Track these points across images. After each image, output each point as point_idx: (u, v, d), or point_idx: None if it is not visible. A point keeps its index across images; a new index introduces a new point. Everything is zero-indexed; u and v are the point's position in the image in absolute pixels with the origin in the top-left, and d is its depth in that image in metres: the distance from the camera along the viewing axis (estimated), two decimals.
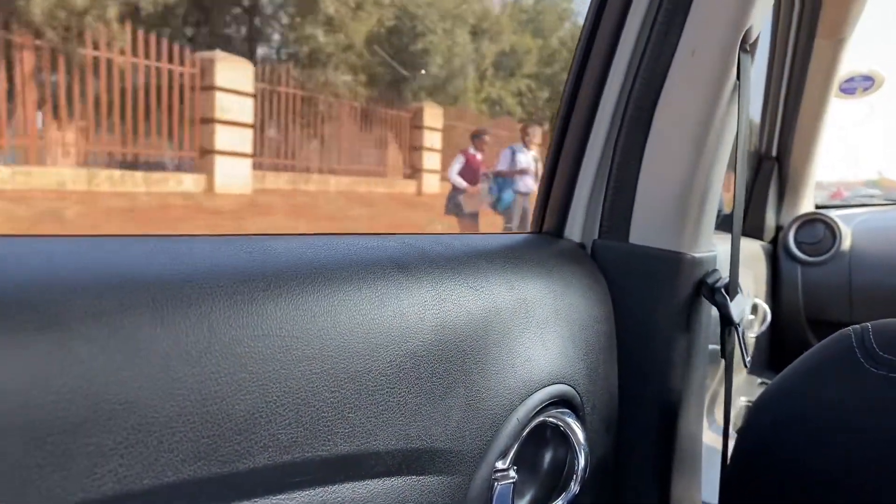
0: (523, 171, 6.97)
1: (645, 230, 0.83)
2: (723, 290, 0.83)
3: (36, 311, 0.35)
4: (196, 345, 0.40)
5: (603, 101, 0.86)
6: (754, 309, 1.66)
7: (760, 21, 0.80)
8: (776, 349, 1.90)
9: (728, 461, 0.83)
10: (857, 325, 0.71)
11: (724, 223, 1.04)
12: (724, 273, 0.87)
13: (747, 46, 0.80)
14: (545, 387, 0.68)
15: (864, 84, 1.98)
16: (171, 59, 7.33)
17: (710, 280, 0.84)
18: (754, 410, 0.77)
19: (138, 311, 0.39)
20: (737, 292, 0.86)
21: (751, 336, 1.64)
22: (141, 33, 7.16)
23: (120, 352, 0.37)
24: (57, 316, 0.36)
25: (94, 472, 0.36)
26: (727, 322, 0.85)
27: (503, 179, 7.04)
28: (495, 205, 7.07)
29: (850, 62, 1.93)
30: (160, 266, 0.44)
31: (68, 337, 0.36)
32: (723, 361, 0.89)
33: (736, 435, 0.80)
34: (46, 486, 0.34)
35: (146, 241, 0.49)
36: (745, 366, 0.90)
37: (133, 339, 0.38)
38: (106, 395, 0.36)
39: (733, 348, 0.88)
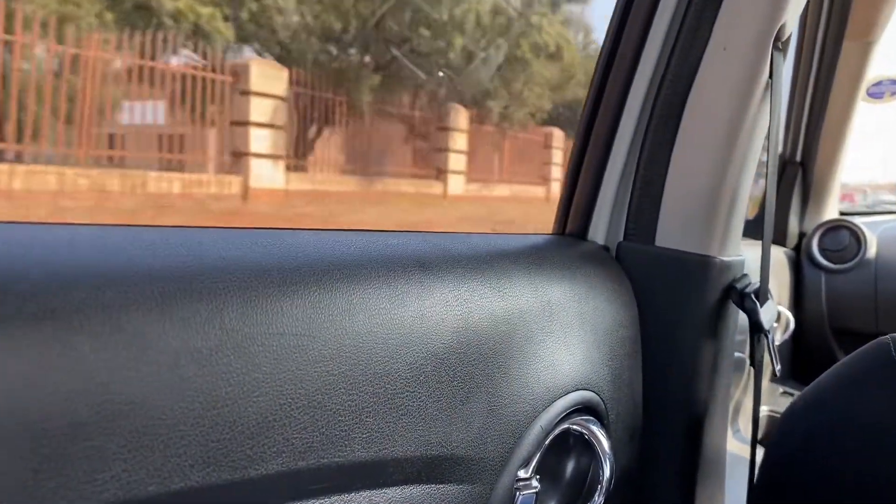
0: None
1: (672, 233, 0.81)
2: (752, 296, 0.80)
3: (34, 302, 0.33)
4: (207, 342, 0.38)
5: (630, 99, 0.84)
6: (777, 316, 1.63)
7: (794, 18, 0.78)
8: (799, 358, 1.87)
9: (756, 473, 0.80)
10: (894, 334, 0.68)
11: (749, 229, 1.01)
12: (753, 278, 0.84)
13: (780, 44, 0.77)
14: (569, 393, 0.66)
15: (892, 88, 1.93)
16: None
17: (739, 285, 0.82)
18: (786, 422, 0.75)
19: (145, 305, 0.37)
20: (767, 298, 0.83)
21: (775, 344, 1.61)
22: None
23: (124, 348, 0.35)
24: (56, 308, 0.34)
25: (94, 478, 0.34)
26: (757, 329, 0.82)
27: None
28: None
29: (879, 66, 1.89)
30: (169, 258, 0.41)
31: (68, 331, 0.33)
32: (746, 370, 0.86)
33: (764, 447, 0.78)
34: (42, 493, 0.32)
35: (154, 231, 0.47)
36: (776, 374, 0.87)
37: (139, 335, 0.36)
38: (108, 394, 0.34)
39: (762, 356, 0.85)
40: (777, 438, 0.75)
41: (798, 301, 1.91)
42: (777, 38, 0.75)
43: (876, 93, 1.94)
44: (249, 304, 0.41)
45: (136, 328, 0.36)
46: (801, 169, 1.97)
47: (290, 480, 0.43)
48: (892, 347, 0.67)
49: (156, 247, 0.43)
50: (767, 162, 0.82)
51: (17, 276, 0.35)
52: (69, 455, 0.33)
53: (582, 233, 0.86)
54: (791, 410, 0.75)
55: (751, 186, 0.88)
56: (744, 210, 0.85)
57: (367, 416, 0.47)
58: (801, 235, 1.99)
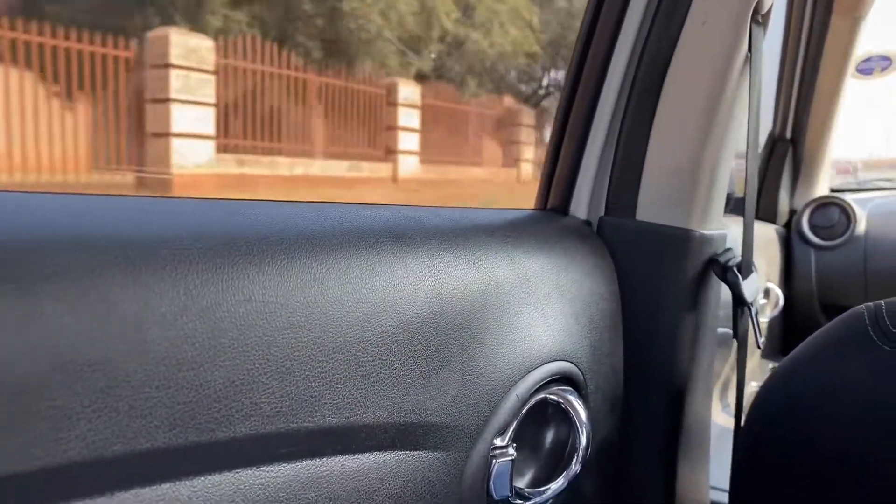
0: None
1: (653, 207, 0.81)
2: (735, 269, 0.81)
3: None
4: (171, 307, 0.39)
5: (609, 73, 0.84)
6: (767, 293, 1.64)
7: None
8: (789, 334, 1.88)
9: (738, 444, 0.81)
10: (871, 304, 0.69)
11: (738, 207, 1.02)
12: (738, 253, 0.85)
13: (759, 18, 0.77)
14: (546, 363, 0.66)
15: (881, 64, 1.93)
16: None
17: (721, 259, 0.82)
18: (764, 392, 0.75)
19: (109, 270, 0.37)
20: (750, 271, 0.83)
21: (763, 321, 1.62)
22: None
23: (87, 311, 0.36)
24: (21, 270, 0.34)
25: (58, 436, 0.34)
26: (739, 302, 0.83)
27: None
28: None
29: (868, 42, 1.89)
30: (135, 226, 0.42)
31: (32, 292, 0.34)
32: (735, 344, 0.87)
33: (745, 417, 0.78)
34: (6, 448, 0.33)
35: (121, 200, 0.47)
36: (759, 346, 0.88)
37: (103, 299, 0.36)
38: (72, 355, 0.35)
39: (746, 330, 0.85)
40: (756, 408, 0.76)
41: (788, 278, 1.92)
42: (756, 12, 0.75)
43: (865, 69, 1.94)
44: (215, 271, 0.42)
45: (100, 292, 0.36)
46: (791, 146, 1.97)
47: (260, 444, 0.43)
48: (867, 316, 0.67)
49: (121, 215, 0.43)
50: (748, 136, 0.82)
51: None
52: (33, 413, 0.34)
53: (563, 207, 0.87)
54: (770, 381, 0.75)
55: (733, 162, 0.88)
56: (725, 184, 0.86)
57: (337, 383, 0.47)
58: (792, 213, 1.99)
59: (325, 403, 0.47)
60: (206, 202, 0.51)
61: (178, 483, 0.39)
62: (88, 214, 0.42)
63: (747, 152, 0.84)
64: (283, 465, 0.45)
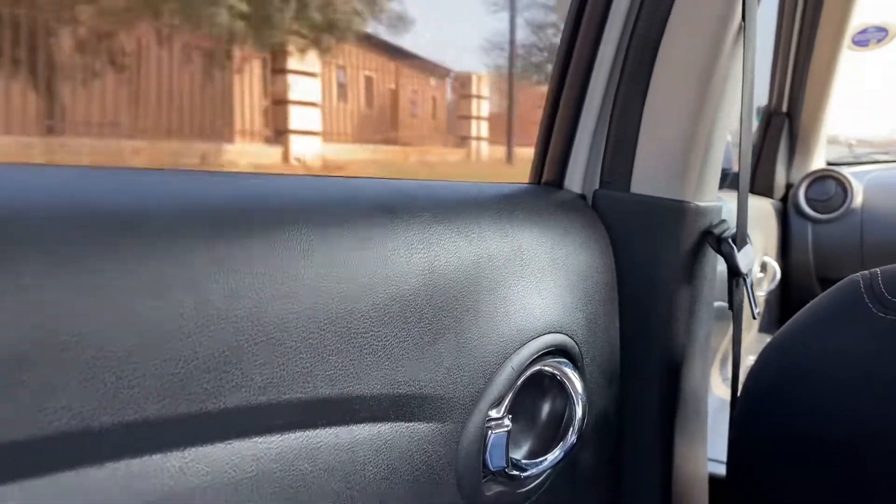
0: None
1: (647, 179, 0.81)
2: (730, 241, 0.81)
3: None
4: (157, 278, 0.38)
5: (602, 46, 0.83)
6: (764, 267, 1.64)
7: None
8: (786, 308, 1.88)
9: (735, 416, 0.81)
10: (867, 272, 0.68)
11: (735, 182, 1.01)
12: (733, 225, 0.85)
13: None
14: (541, 335, 0.66)
15: (877, 35, 1.92)
16: None
17: (716, 230, 0.82)
18: (759, 363, 0.75)
19: (93, 242, 0.37)
20: (745, 243, 0.83)
21: (760, 294, 1.62)
22: None
23: (71, 282, 0.35)
24: (3, 242, 0.34)
25: (44, 407, 0.34)
26: (734, 273, 0.82)
27: None
28: None
29: (863, 14, 1.88)
30: (120, 197, 0.42)
31: (12, 265, 0.34)
32: (732, 316, 0.87)
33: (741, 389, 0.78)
34: None
35: (107, 172, 0.47)
36: (753, 317, 0.88)
37: (86, 270, 0.36)
38: (55, 326, 0.34)
39: (742, 301, 0.85)
40: (752, 379, 0.76)
41: (785, 251, 1.92)
42: None
43: (861, 41, 1.93)
44: (202, 243, 0.41)
45: (84, 263, 0.36)
46: (787, 119, 1.96)
47: (251, 415, 0.43)
48: (863, 284, 0.67)
49: (108, 187, 0.43)
50: (742, 106, 0.82)
51: None
52: (17, 384, 0.33)
53: (558, 181, 0.86)
54: (766, 351, 0.75)
55: (728, 136, 0.87)
56: (720, 156, 0.85)
57: (329, 354, 0.47)
58: (789, 187, 1.99)
59: (318, 375, 0.47)
60: (192, 174, 0.51)
61: (168, 454, 0.39)
62: (73, 186, 0.42)
63: (741, 123, 0.83)
64: (276, 436, 0.45)
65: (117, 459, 0.37)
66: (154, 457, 0.39)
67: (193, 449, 0.40)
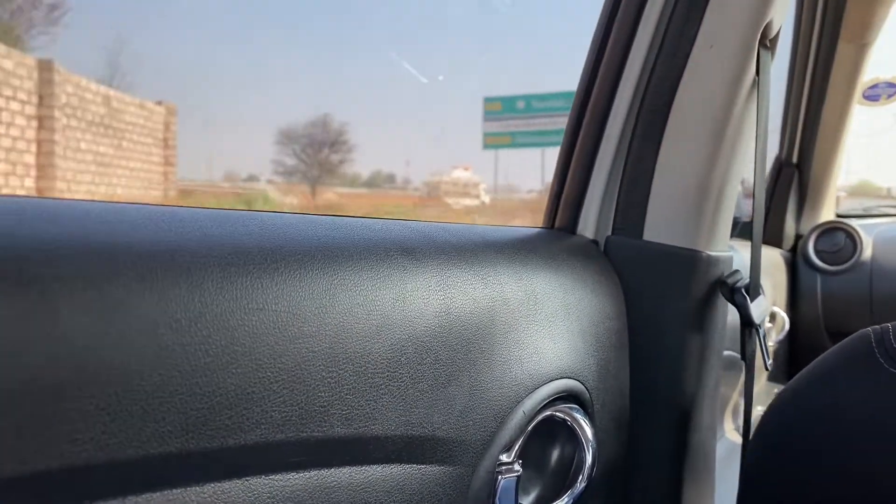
0: None
1: (659, 227, 0.81)
2: (743, 291, 0.81)
3: (18, 270, 0.34)
4: (186, 314, 0.39)
5: (618, 94, 0.85)
6: (773, 317, 1.64)
7: (782, 15, 0.79)
8: (795, 359, 1.87)
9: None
10: (878, 326, 0.69)
11: (745, 231, 1.02)
12: (745, 276, 0.85)
13: (767, 42, 0.78)
14: (553, 380, 0.66)
15: (888, 91, 1.94)
16: None
17: (729, 280, 0.82)
18: (769, 414, 0.75)
19: (126, 277, 0.38)
20: (758, 293, 0.84)
21: (769, 344, 1.61)
22: None
23: (104, 316, 0.36)
24: (40, 276, 0.35)
25: (74, 438, 0.35)
26: (747, 323, 0.83)
27: None
28: None
29: (875, 68, 1.90)
30: (151, 234, 0.43)
31: (49, 297, 0.35)
32: (744, 367, 0.87)
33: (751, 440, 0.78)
34: (20, 450, 0.33)
35: (137, 208, 0.48)
36: (766, 368, 0.88)
37: (119, 304, 0.37)
38: (88, 358, 0.35)
39: (754, 351, 0.85)
40: (762, 430, 0.76)
41: (794, 302, 1.92)
42: (764, 36, 0.76)
43: (872, 95, 1.95)
44: (229, 280, 0.42)
45: (117, 298, 0.37)
46: (797, 171, 1.97)
47: (269, 452, 0.44)
48: (874, 339, 0.67)
49: (139, 223, 0.44)
50: (755, 158, 0.83)
51: (2, 244, 0.36)
52: (49, 415, 0.34)
53: (571, 227, 0.87)
54: (776, 402, 0.75)
55: (740, 186, 0.88)
56: (732, 207, 0.86)
57: (346, 394, 0.48)
58: (798, 237, 1.99)
59: (334, 413, 0.47)
60: (220, 213, 0.52)
61: (188, 489, 0.40)
62: (107, 222, 0.43)
63: (755, 175, 0.84)
64: (293, 473, 0.45)
65: (139, 493, 0.37)
66: (174, 490, 0.39)
67: (211, 485, 0.41)
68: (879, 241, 1.89)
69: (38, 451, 0.34)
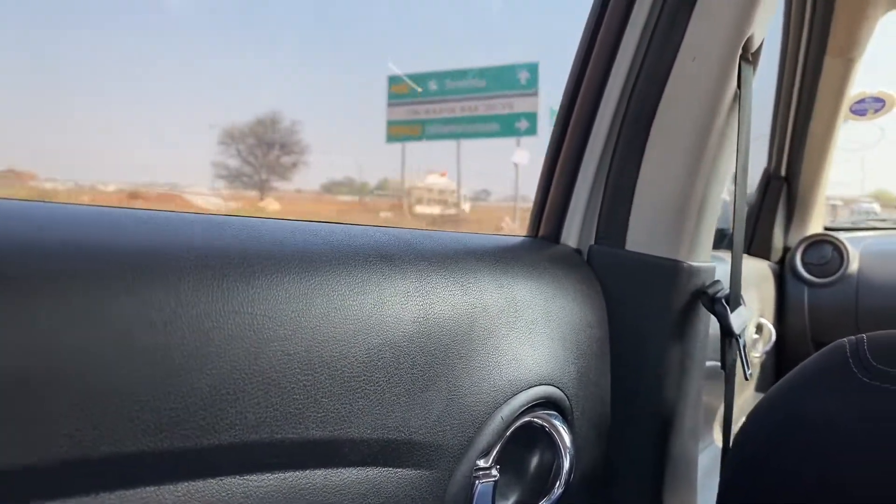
0: None
1: (642, 237, 0.82)
2: (723, 301, 0.82)
3: None
4: (161, 315, 0.40)
5: (603, 104, 0.86)
6: (760, 328, 1.65)
7: (763, 29, 0.80)
8: (782, 370, 1.88)
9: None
10: (853, 336, 0.69)
11: (732, 242, 1.03)
12: (727, 286, 0.86)
13: (749, 56, 0.79)
14: (532, 387, 0.67)
15: (874, 105, 1.96)
16: None
17: (710, 290, 0.83)
18: (748, 423, 0.76)
19: (100, 277, 0.38)
20: (738, 304, 0.85)
21: (756, 355, 1.62)
22: None
23: (77, 314, 0.37)
24: (19, 275, 0.35)
25: (47, 434, 0.35)
26: (727, 333, 0.84)
27: None
28: None
29: (862, 84, 1.92)
30: (130, 236, 0.43)
31: (21, 294, 0.35)
32: (724, 375, 0.87)
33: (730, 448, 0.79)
34: None
35: (119, 211, 0.48)
36: (746, 378, 0.89)
37: (93, 304, 0.37)
38: (60, 355, 0.36)
39: (734, 361, 0.86)
40: (741, 439, 0.76)
41: (782, 313, 1.93)
42: (746, 50, 0.78)
43: (859, 110, 1.97)
44: (205, 283, 0.43)
45: (91, 297, 0.38)
46: (785, 183, 1.99)
47: (244, 453, 0.44)
48: (849, 349, 0.68)
49: (118, 226, 0.45)
50: (737, 171, 0.84)
51: None
52: (23, 411, 0.34)
53: (555, 236, 0.88)
54: (754, 412, 0.76)
55: (725, 196, 0.89)
56: (714, 218, 0.87)
57: (322, 397, 0.48)
58: (786, 250, 2.01)
59: (310, 416, 0.48)
60: (199, 217, 0.52)
61: (161, 487, 0.40)
62: (86, 224, 0.44)
63: (736, 187, 0.85)
64: (267, 475, 0.46)
65: (112, 490, 0.38)
66: (147, 489, 0.40)
67: (186, 483, 0.41)
68: (866, 255, 1.91)
69: (12, 447, 0.34)
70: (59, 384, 0.36)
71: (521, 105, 10.94)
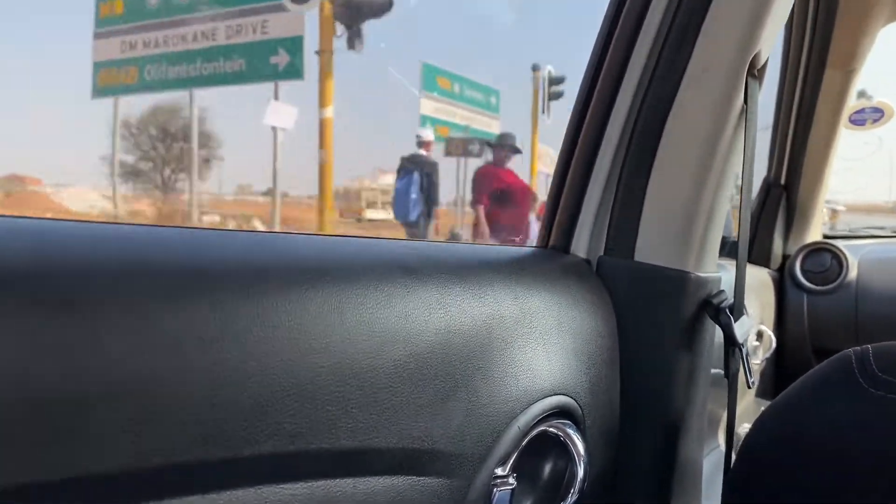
0: None
1: (650, 248, 0.84)
2: (727, 311, 0.84)
3: (52, 289, 0.37)
4: (207, 332, 0.42)
5: (612, 117, 0.87)
6: (760, 335, 1.66)
7: (769, 46, 0.82)
8: (781, 377, 1.90)
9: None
10: (858, 347, 0.71)
11: (733, 250, 1.05)
12: (731, 295, 0.88)
13: (755, 72, 0.81)
14: (547, 397, 0.68)
15: (873, 116, 1.99)
16: None
17: (715, 300, 0.85)
18: (753, 430, 0.77)
19: (153, 296, 0.40)
20: (742, 314, 0.86)
21: (756, 362, 1.64)
22: None
23: (133, 332, 0.38)
24: (71, 295, 0.37)
25: (103, 447, 0.37)
26: (731, 342, 0.85)
27: None
28: None
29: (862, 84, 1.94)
30: (175, 255, 0.45)
31: (81, 315, 0.37)
32: (727, 383, 0.89)
33: (735, 456, 0.80)
34: (51, 459, 0.35)
35: (161, 230, 0.50)
36: (749, 386, 0.90)
37: (146, 322, 0.39)
38: (118, 373, 0.38)
39: (737, 369, 0.88)
40: (745, 447, 0.78)
41: (781, 321, 1.95)
42: (752, 66, 0.79)
43: (858, 120, 1.99)
44: (246, 300, 0.45)
45: (144, 315, 0.39)
46: (785, 192, 2.01)
47: (280, 462, 0.46)
48: (854, 360, 0.70)
49: (162, 245, 0.46)
50: (742, 183, 0.86)
51: (37, 265, 0.38)
52: (79, 426, 0.36)
53: (565, 247, 0.90)
54: (760, 420, 0.78)
55: (732, 208, 0.91)
56: (720, 229, 0.89)
57: (351, 408, 0.50)
58: (786, 257, 2.02)
59: (341, 427, 0.49)
60: (235, 234, 0.54)
61: (205, 496, 0.42)
62: (137, 244, 0.46)
63: (741, 200, 0.87)
64: (300, 483, 0.47)
65: (160, 499, 0.40)
66: (192, 497, 0.41)
67: (227, 493, 0.43)
68: (864, 263, 1.93)
69: (70, 460, 0.36)
70: (114, 400, 0.37)
71: (277, 27, 6.86)
